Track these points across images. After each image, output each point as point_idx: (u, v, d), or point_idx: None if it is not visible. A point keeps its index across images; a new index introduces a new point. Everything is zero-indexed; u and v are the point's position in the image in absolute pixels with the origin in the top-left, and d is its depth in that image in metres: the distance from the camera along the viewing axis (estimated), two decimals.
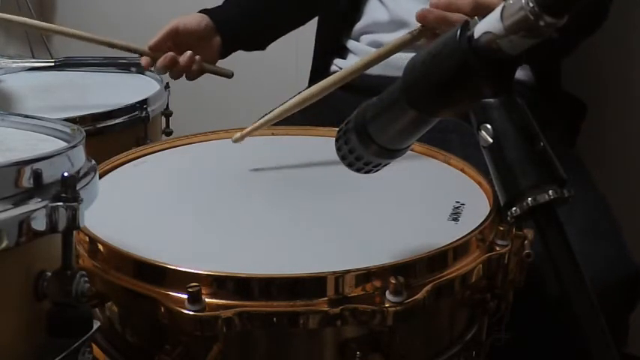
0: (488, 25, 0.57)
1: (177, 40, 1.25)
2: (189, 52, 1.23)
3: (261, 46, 1.44)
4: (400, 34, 1.26)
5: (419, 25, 1.24)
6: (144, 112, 1.24)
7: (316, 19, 1.44)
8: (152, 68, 1.26)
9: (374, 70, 1.30)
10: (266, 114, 1.01)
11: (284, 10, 1.42)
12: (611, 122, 1.58)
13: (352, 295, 0.67)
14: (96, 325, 0.60)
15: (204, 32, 1.29)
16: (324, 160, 0.90)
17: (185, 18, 1.28)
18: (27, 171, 0.54)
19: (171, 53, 1.22)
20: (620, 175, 1.55)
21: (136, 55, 1.28)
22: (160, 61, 1.22)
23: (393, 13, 1.28)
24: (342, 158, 0.71)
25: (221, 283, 0.66)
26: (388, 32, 1.29)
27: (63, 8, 2.30)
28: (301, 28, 1.45)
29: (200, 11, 1.32)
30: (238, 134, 0.99)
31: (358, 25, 1.34)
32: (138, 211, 0.86)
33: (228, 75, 1.35)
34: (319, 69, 1.41)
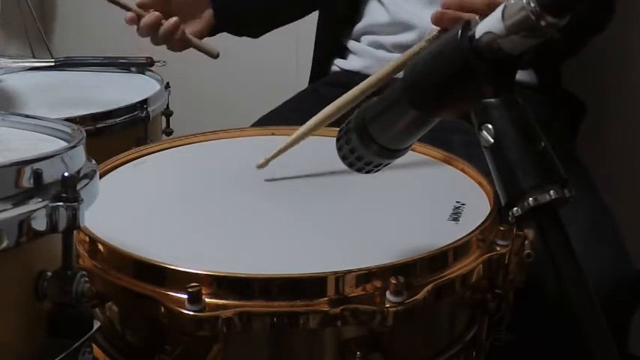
0: (489, 25, 0.56)
1: (168, 6, 1.21)
2: (174, 18, 1.19)
3: (254, 33, 1.41)
4: (400, 36, 1.27)
5: (419, 25, 1.24)
6: (144, 112, 1.24)
7: (316, 18, 1.44)
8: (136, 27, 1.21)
9: (374, 71, 1.30)
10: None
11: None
12: (612, 122, 1.58)
13: (352, 295, 0.67)
14: (96, 325, 0.60)
15: (197, 3, 1.26)
16: (324, 160, 0.90)
17: None
18: (27, 171, 0.54)
19: (156, 13, 1.18)
20: (620, 176, 1.55)
21: (137, 56, 1.27)
22: (145, 19, 1.17)
23: (393, 15, 1.28)
24: (343, 158, 0.71)
25: (221, 283, 0.66)
26: (389, 34, 1.29)
27: (63, 8, 2.30)
28: (301, 27, 1.45)
29: None
30: (263, 160, 0.95)
31: (358, 26, 1.34)
32: (138, 211, 0.86)
33: (213, 54, 1.29)
34: (319, 69, 1.41)
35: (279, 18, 1.42)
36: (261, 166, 0.94)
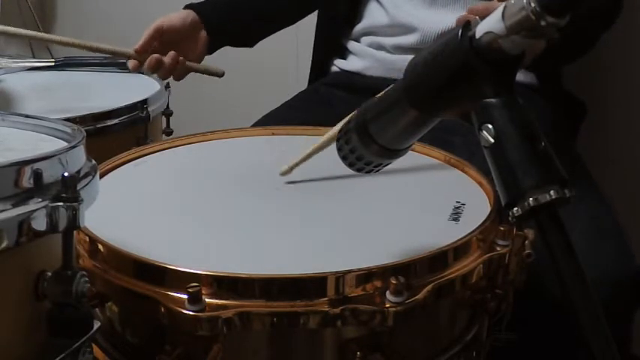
0: (489, 25, 0.56)
1: (163, 39, 1.23)
2: (172, 53, 1.22)
3: (250, 43, 1.42)
4: (401, 38, 1.27)
5: (420, 27, 1.24)
6: (144, 112, 1.24)
7: (316, 18, 1.43)
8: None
9: (374, 72, 1.31)
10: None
11: (272, 6, 1.40)
12: (612, 122, 1.58)
13: (353, 295, 0.67)
14: (96, 325, 0.60)
15: (190, 28, 1.27)
16: (324, 160, 0.90)
17: (170, 16, 1.26)
18: (27, 171, 0.54)
19: (156, 55, 1.20)
20: (620, 176, 1.55)
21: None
22: (147, 63, 1.21)
23: (393, 17, 1.27)
24: (343, 158, 0.71)
25: (221, 283, 0.66)
26: (389, 35, 1.28)
27: (63, 8, 2.30)
28: (302, 27, 1.45)
29: (186, 6, 1.30)
30: (286, 167, 0.93)
31: (358, 27, 1.34)
32: (138, 211, 0.86)
33: (219, 74, 1.32)
34: (319, 69, 1.41)
35: (272, 25, 1.42)
36: (284, 173, 0.93)
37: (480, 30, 0.57)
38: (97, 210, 0.61)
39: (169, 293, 0.67)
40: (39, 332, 0.58)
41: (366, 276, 0.67)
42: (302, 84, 1.45)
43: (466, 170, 0.94)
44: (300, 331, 0.68)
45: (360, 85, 1.28)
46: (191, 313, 0.64)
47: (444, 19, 1.21)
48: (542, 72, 1.26)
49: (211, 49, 1.31)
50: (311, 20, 1.44)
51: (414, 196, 0.90)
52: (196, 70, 1.29)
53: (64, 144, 0.64)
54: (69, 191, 0.55)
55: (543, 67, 1.20)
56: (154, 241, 0.76)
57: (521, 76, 1.25)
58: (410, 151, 0.72)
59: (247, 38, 1.41)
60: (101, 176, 0.83)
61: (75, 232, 0.57)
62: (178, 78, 1.26)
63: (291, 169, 0.93)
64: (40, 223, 0.54)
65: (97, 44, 1.22)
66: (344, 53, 1.38)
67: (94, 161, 0.64)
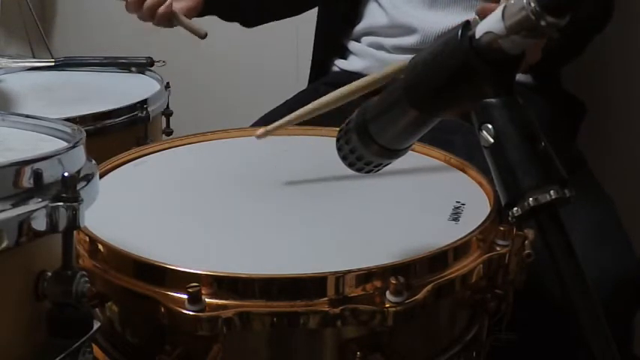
0: (489, 25, 0.57)
1: None
2: None
3: (246, 22, 1.39)
4: (401, 39, 1.27)
5: (420, 28, 1.24)
6: (144, 112, 1.24)
7: (315, 19, 1.43)
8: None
9: (375, 72, 1.30)
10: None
11: None
12: (612, 122, 1.57)
13: (352, 295, 0.67)
14: (96, 325, 0.60)
15: None
16: (324, 160, 0.90)
17: None
18: (27, 171, 0.54)
19: None
20: (620, 175, 1.55)
21: (137, 55, 1.26)
22: None
23: (392, 18, 1.27)
24: (343, 158, 0.71)
25: (221, 283, 0.66)
26: (389, 36, 1.28)
27: (63, 8, 2.30)
28: (302, 27, 1.45)
29: None
30: (262, 129, 0.94)
31: (359, 27, 1.34)
32: (138, 211, 0.86)
33: (201, 34, 1.27)
34: (319, 69, 1.41)
35: (274, 10, 1.40)
36: (259, 136, 0.93)
37: (480, 30, 0.57)
38: (97, 210, 0.61)
39: (169, 293, 0.67)
40: (39, 332, 0.58)
41: (366, 276, 0.67)
42: (302, 84, 1.45)
43: (466, 170, 0.94)
44: (300, 331, 0.68)
45: None
46: (191, 313, 0.64)
47: (444, 20, 1.21)
48: (541, 72, 1.26)
49: (203, 10, 1.28)
50: (311, 20, 1.44)
51: (414, 196, 0.90)
52: (179, 22, 1.24)
53: (64, 144, 0.64)
54: (69, 191, 0.55)
55: (539, 69, 1.20)
56: (153, 241, 0.76)
57: (520, 77, 1.24)
58: (410, 151, 0.72)
59: (244, 14, 1.38)
60: (101, 176, 0.83)
61: (75, 232, 0.57)
62: (159, 23, 1.22)
63: (267, 133, 0.93)
64: (40, 223, 0.54)
65: None
66: (344, 53, 1.38)
67: (94, 161, 0.64)
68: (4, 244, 0.52)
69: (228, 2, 1.34)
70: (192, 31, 1.27)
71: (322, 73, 1.40)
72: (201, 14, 1.30)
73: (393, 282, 0.65)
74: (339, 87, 1.32)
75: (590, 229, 0.98)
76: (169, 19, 1.23)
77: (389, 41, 1.28)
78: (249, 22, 1.41)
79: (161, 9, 1.20)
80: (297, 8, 1.43)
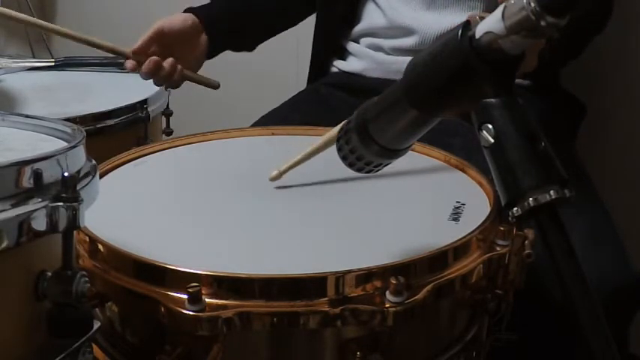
0: (489, 25, 0.57)
1: (162, 41, 1.20)
2: (171, 60, 1.18)
3: (250, 47, 1.40)
4: (400, 41, 1.27)
5: (419, 30, 1.24)
6: (144, 112, 1.24)
7: (315, 19, 1.43)
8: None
9: (373, 73, 1.30)
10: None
11: (272, 11, 1.38)
12: (612, 122, 1.57)
13: (352, 295, 0.67)
14: (96, 325, 0.60)
15: (190, 31, 1.24)
16: (324, 161, 0.90)
17: (170, 18, 1.23)
18: (27, 171, 0.54)
19: (155, 58, 1.17)
20: (620, 176, 1.55)
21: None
22: (145, 66, 1.16)
23: (391, 19, 1.27)
24: (343, 158, 0.71)
25: (221, 283, 0.66)
26: (387, 37, 1.28)
27: (63, 8, 2.30)
28: (302, 27, 1.45)
29: (186, 10, 1.27)
30: (276, 172, 0.92)
31: (357, 28, 1.34)
32: (138, 211, 0.86)
33: (214, 86, 1.29)
34: (318, 70, 1.41)
35: (272, 28, 1.40)
36: (273, 179, 0.92)
37: (480, 30, 0.57)
38: (97, 210, 0.61)
39: (169, 293, 0.67)
40: (39, 332, 0.58)
41: (366, 276, 0.67)
42: (302, 84, 1.45)
43: (466, 170, 0.94)
44: (300, 331, 0.68)
45: (360, 86, 1.28)
46: (191, 313, 0.64)
47: (443, 21, 1.21)
48: (540, 73, 1.26)
49: (211, 54, 1.29)
50: (311, 21, 1.43)
51: (414, 196, 0.90)
52: (192, 80, 1.25)
53: (64, 144, 0.64)
54: (69, 191, 0.55)
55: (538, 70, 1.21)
56: (153, 241, 0.76)
57: (519, 76, 1.24)
58: (410, 152, 0.72)
59: (247, 43, 1.39)
60: (101, 176, 0.83)
61: (75, 232, 0.57)
62: (175, 86, 1.23)
63: (281, 174, 0.92)
64: (40, 223, 0.54)
65: (96, 39, 1.18)
66: (343, 54, 1.38)
67: (94, 161, 0.64)
68: (4, 244, 0.52)
69: (233, 35, 1.33)
70: (206, 85, 1.28)
71: (321, 74, 1.40)
72: (210, 56, 1.29)
73: (393, 282, 0.65)
74: (339, 87, 1.33)
75: (585, 234, 0.98)
76: (183, 81, 1.24)
77: (387, 42, 1.28)
78: (251, 47, 1.40)
79: (175, 76, 1.19)
80: (297, 19, 1.43)
